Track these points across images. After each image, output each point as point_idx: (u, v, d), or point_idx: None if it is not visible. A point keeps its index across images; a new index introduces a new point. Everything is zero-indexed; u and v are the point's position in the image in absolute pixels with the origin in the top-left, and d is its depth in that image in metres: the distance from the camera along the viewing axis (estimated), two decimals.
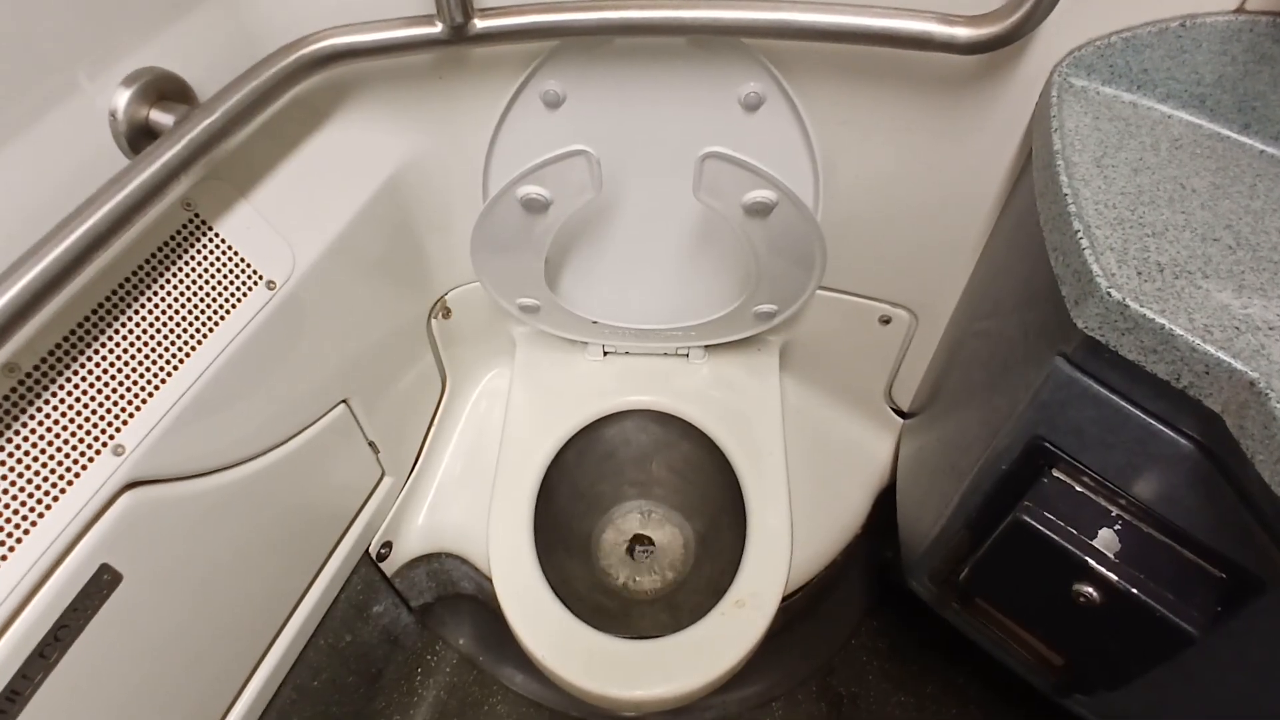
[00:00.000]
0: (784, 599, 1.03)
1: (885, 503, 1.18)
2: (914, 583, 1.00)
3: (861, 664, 1.24)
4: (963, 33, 0.69)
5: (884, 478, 1.17)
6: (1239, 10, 0.67)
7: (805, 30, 0.72)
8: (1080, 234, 0.62)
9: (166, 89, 0.65)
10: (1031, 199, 0.74)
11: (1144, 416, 0.63)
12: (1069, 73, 0.73)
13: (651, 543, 1.11)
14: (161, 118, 0.64)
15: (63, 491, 0.62)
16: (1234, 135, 0.70)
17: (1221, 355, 0.55)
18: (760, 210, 0.81)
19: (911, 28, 0.70)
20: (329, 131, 0.82)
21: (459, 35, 0.72)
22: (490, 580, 0.97)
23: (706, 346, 1.08)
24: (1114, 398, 0.64)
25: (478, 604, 1.20)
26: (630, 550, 1.11)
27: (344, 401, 0.91)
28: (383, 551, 1.07)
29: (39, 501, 0.61)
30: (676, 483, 1.12)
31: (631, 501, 1.14)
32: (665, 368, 1.08)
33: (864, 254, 0.97)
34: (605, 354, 1.10)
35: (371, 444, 0.98)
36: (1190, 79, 0.70)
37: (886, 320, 1.04)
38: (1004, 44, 0.69)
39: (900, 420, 1.16)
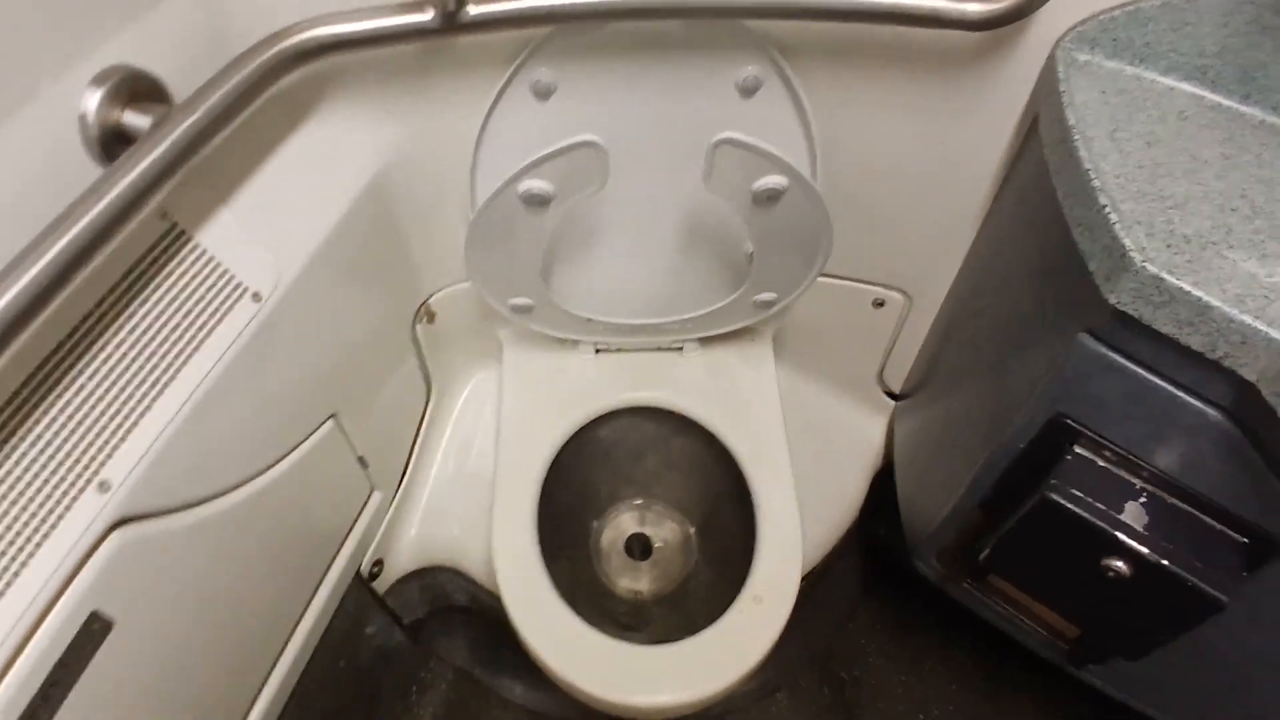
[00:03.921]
0: None
1: (878, 484, 1.18)
2: (920, 564, 1.00)
3: (860, 646, 1.24)
4: (974, 8, 0.68)
5: (878, 460, 1.17)
6: None
7: (813, 9, 0.70)
8: (1108, 208, 0.62)
9: (140, 89, 0.59)
10: (1039, 174, 0.73)
11: (1171, 388, 0.63)
12: (1072, 47, 0.73)
13: (651, 541, 1.09)
14: (137, 120, 0.58)
15: (45, 537, 0.56)
16: (1236, 106, 0.71)
17: (1258, 324, 0.56)
18: (770, 197, 0.79)
19: (923, 4, 0.69)
20: (308, 130, 0.77)
21: (451, 23, 0.67)
22: (485, 590, 0.94)
23: (700, 339, 1.05)
24: (1140, 371, 0.64)
25: (471, 615, 1.16)
26: (630, 550, 1.08)
27: (333, 416, 0.86)
28: (374, 570, 1.03)
29: (20, 550, 0.55)
30: (673, 478, 1.10)
31: (628, 500, 1.11)
32: (659, 362, 1.05)
33: (859, 237, 0.96)
34: (597, 351, 1.06)
35: (360, 459, 0.93)
36: (1193, 51, 0.71)
37: (880, 303, 1.04)
38: (1016, 18, 0.69)
39: (892, 402, 1.16)
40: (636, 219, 0.91)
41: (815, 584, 1.16)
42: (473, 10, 0.68)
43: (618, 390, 1.02)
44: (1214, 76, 0.71)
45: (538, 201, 0.77)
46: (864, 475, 1.15)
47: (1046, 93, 0.74)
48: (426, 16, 0.67)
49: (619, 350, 1.06)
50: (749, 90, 0.81)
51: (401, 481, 1.05)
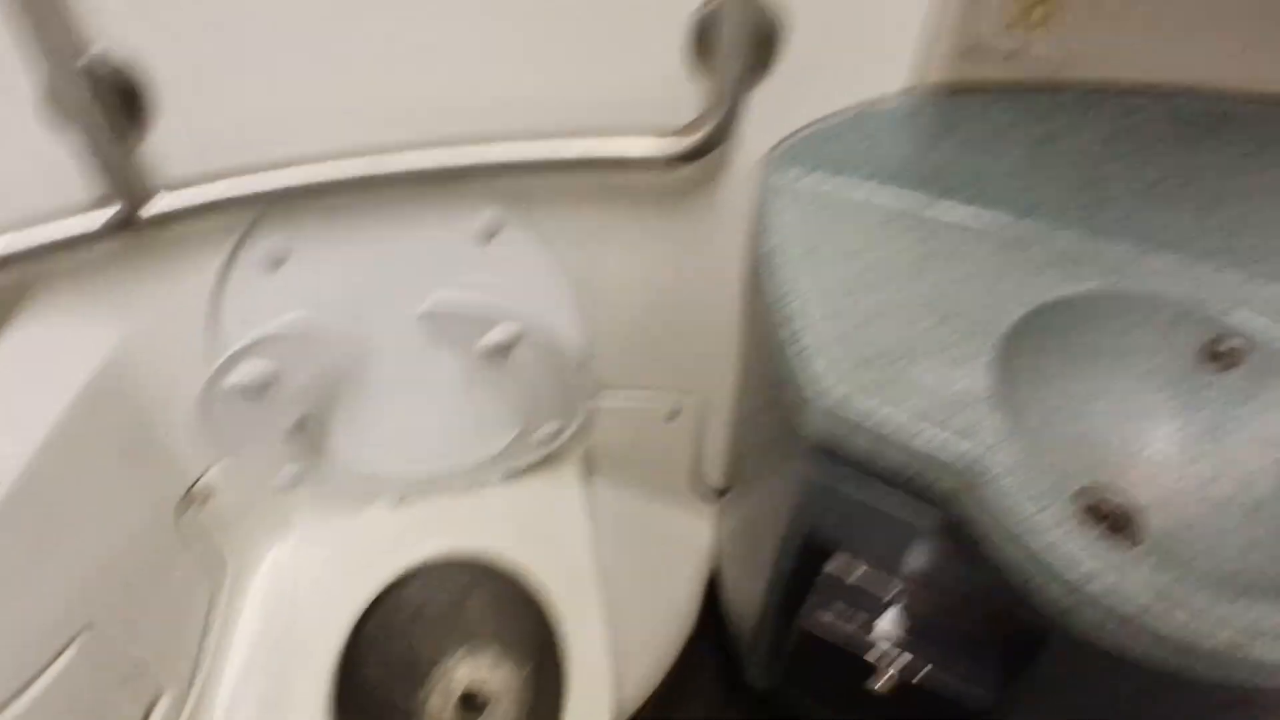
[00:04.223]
0: (631, 718, 0.98)
1: (715, 586, 1.15)
2: (751, 677, 0.97)
3: None
4: (663, 145, 0.70)
5: (710, 563, 1.14)
6: (908, 90, 0.70)
7: (509, 166, 0.71)
8: (796, 336, 0.63)
9: None
10: (761, 293, 0.74)
11: (893, 500, 0.63)
12: (774, 168, 0.75)
13: (482, 696, 1.03)
14: None
15: None
16: (930, 207, 0.73)
17: (941, 437, 0.56)
18: (505, 346, 0.78)
19: (610, 149, 0.70)
20: (12, 332, 0.72)
21: (129, 223, 0.65)
22: None
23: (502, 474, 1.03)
24: (863, 486, 0.64)
25: None
26: (463, 708, 1.02)
27: (87, 628, 0.79)
28: None
29: None
30: (498, 622, 1.04)
31: (453, 656, 1.05)
32: (463, 505, 1.01)
33: (640, 351, 0.96)
34: (400, 500, 1.02)
35: (137, 662, 0.86)
36: (882, 159, 0.73)
37: (676, 410, 1.03)
38: (701, 155, 0.70)
39: (715, 497, 1.15)
40: (404, 373, 0.88)
41: (668, 704, 1.11)
42: (156, 207, 0.66)
43: (419, 542, 0.98)
44: (905, 181, 0.74)
45: (258, 387, 0.74)
46: (696, 582, 1.12)
47: (754, 216, 0.75)
48: (100, 221, 0.65)
49: (422, 494, 1.02)
50: (489, 234, 0.80)
51: (195, 678, 0.97)
